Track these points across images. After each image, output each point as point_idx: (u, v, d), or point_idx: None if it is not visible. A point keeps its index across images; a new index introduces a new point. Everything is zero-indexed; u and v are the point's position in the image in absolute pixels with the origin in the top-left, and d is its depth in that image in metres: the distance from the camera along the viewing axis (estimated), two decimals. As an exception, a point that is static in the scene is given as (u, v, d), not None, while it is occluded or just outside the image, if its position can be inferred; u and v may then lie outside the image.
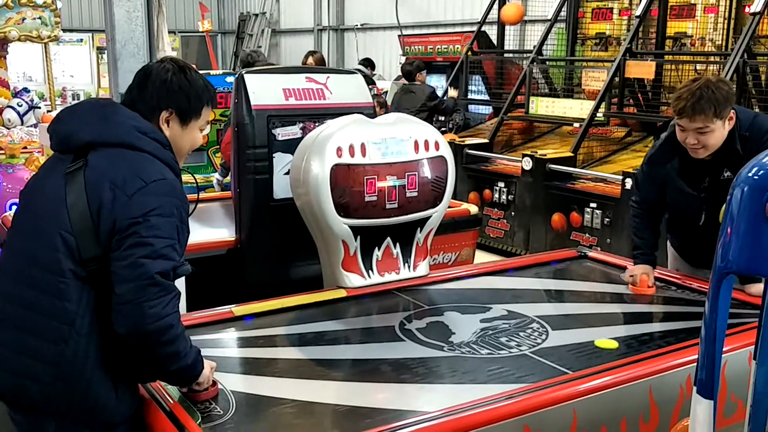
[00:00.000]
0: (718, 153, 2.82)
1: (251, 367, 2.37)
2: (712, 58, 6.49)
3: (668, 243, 3.33)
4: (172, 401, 2.01)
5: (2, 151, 6.05)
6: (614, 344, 2.47)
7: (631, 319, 2.83)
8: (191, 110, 2.03)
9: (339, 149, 2.83)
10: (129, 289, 1.75)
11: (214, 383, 2.09)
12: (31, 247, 1.86)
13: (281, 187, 3.17)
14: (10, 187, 5.47)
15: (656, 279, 3.11)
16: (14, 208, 4.63)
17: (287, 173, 3.10)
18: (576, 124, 6.66)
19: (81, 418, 1.85)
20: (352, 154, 2.85)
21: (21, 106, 7.66)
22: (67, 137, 1.93)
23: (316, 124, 3.12)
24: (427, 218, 3.09)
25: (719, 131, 2.72)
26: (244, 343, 2.56)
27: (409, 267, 3.10)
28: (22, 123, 7.56)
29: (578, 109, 6.72)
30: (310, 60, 6.76)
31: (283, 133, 3.22)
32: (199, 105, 2.04)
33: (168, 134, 2.00)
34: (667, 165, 2.95)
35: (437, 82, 9.18)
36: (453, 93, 7.66)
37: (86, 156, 1.88)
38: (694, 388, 1.26)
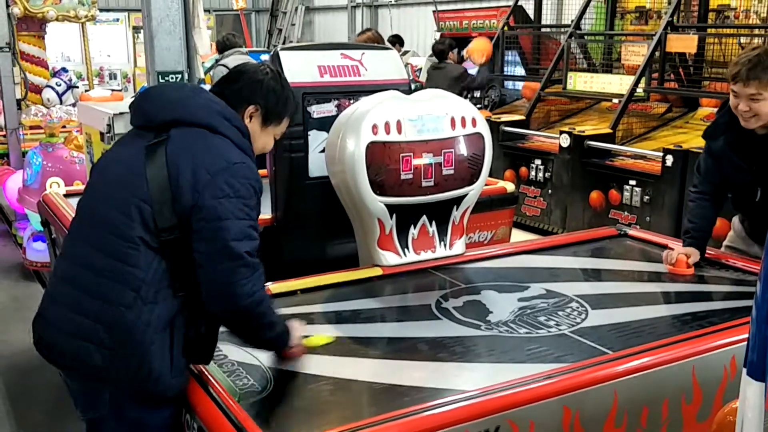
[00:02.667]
0: None
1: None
2: (756, 31, 6.30)
3: (734, 219, 3.26)
4: (211, 378, 2.02)
5: (42, 130, 6.13)
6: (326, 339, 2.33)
7: (673, 298, 2.78)
8: (276, 113, 2.13)
9: (374, 126, 2.80)
10: (221, 271, 1.85)
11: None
12: (103, 212, 1.90)
13: (317, 165, 3.15)
14: (50, 166, 5.54)
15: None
16: (54, 186, 4.70)
17: (322, 151, 3.08)
18: (615, 100, 6.54)
19: (136, 388, 1.88)
20: (387, 132, 2.82)
21: (60, 85, 7.79)
22: (151, 114, 1.98)
23: (351, 102, 3.09)
24: (464, 196, 3.05)
25: None
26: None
27: (445, 245, 3.07)
28: (61, 102, 7.68)
29: (617, 84, 6.59)
30: (362, 38, 6.45)
31: (318, 110, 3.19)
32: (284, 110, 2.15)
33: None
34: (722, 137, 2.89)
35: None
36: (479, 59, 7.29)
37: (168, 132, 1.92)
38: (744, 370, 1.22)
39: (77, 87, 8.11)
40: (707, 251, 3.06)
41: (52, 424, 3.35)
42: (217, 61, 6.63)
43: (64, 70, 8.39)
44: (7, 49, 6.47)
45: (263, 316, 1.97)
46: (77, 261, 1.92)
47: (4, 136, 7.00)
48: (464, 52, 7.73)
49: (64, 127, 6.30)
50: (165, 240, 1.86)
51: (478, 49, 7.24)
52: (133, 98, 2.09)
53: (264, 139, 2.15)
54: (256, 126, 2.10)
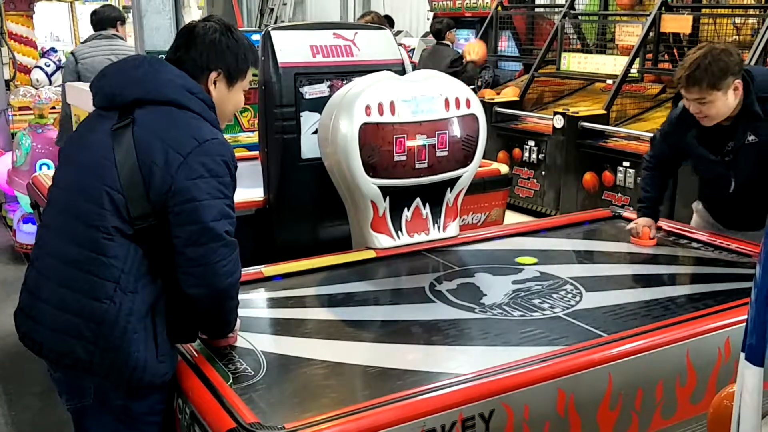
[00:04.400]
0: (737, 118, 2.76)
1: (281, 327, 2.36)
2: (751, 11, 6.26)
3: (695, 205, 3.28)
4: (203, 362, 2.00)
5: (31, 112, 6.06)
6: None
7: (668, 280, 2.77)
8: (239, 70, 2.04)
9: (368, 107, 2.77)
10: (202, 253, 1.82)
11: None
12: (75, 202, 1.85)
13: (309, 147, 3.11)
14: (40, 147, 5.48)
15: (693, 239, 3.07)
16: (44, 168, 4.65)
17: (315, 132, 3.05)
18: (609, 81, 6.50)
19: (121, 378, 1.85)
20: (381, 113, 2.79)
21: (49, 66, 7.71)
22: (113, 94, 1.91)
23: (344, 82, 3.06)
24: (458, 178, 3.02)
25: (720, 101, 2.68)
26: (274, 303, 2.54)
27: (438, 228, 3.05)
28: (50, 83, 7.60)
29: (611, 65, 6.56)
30: (362, 21, 5.87)
31: (310, 91, 3.15)
32: (245, 65, 2.06)
33: (214, 95, 2.00)
34: (687, 134, 2.90)
35: (466, 36, 9.00)
36: (473, 57, 7.37)
37: (132, 113, 1.86)
38: (742, 355, 1.21)
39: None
40: (708, 233, 3.08)
41: (44, 407, 3.34)
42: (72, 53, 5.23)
43: (53, 50, 8.30)
44: (-5, 29, 6.38)
45: (235, 297, 1.98)
46: (54, 254, 1.86)
47: (-7, 117, 6.93)
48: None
49: (53, 108, 6.23)
50: (140, 228, 1.82)
51: (472, 50, 7.18)
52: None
53: (234, 99, 2.07)
54: (223, 90, 2.02)
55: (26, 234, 5.32)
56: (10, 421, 3.32)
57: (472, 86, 7.96)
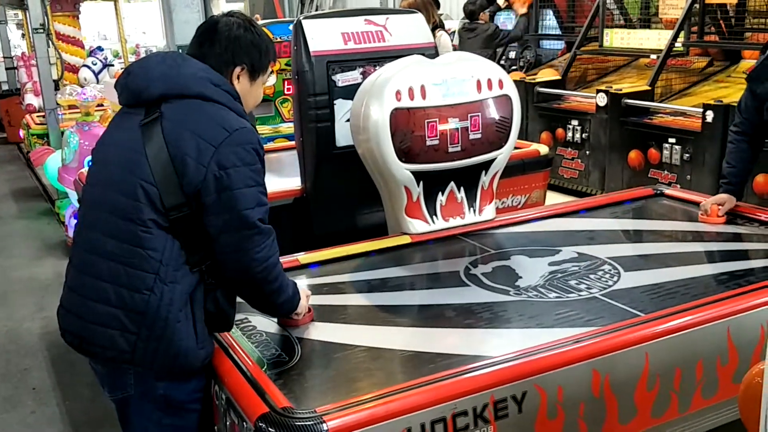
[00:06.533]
0: None
1: (317, 314, 2.37)
2: (802, -22, 6.02)
3: None
4: (239, 349, 2.04)
5: (78, 110, 6.21)
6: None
7: (708, 257, 2.71)
8: (261, 65, 2.07)
9: (398, 93, 2.76)
10: (234, 240, 1.86)
11: (309, 310, 2.27)
12: (110, 197, 1.89)
13: (343, 135, 3.13)
14: (87, 144, 5.61)
15: (736, 215, 2.97)
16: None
17: (349, 120, 3.06)
18: (653, 56, 6.35)
19: (164, 366, 1.89)
20: (411, 97, 2.78)
21: (96, 64, 7.88)
22: (138, 91, 1.93)
23: (376, 68, 3.05)
24: (492, 160, 3.00)
25: None
26: (310, 290, 2.56)
27: (474, 211, 3.03)
28: (98, 81, 7.77)
29: (655, 39, 6.39)
30: (405, 4, 5.45)
31: (343, 79, 3.16)
32: (267, 60, 2.09)
33: (238, 89, 2.02)
34: None
35: (506, 19, 8.88)
36: (523, 8, 7.33)
37: (159, 108, 1.89)
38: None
39: (113, 65, 8.20)
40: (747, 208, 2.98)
41: (95, 397, 3.44)
42: None
43: (100, 48, 8.49)
44: (42, 30, 6.52)
45: (274, 281, 1.99)
46: (93, 250, 1.90)
47: (43, 116, 7.13)
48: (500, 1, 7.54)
49: (100, 105, 6.37)
50: (174, 218, 1.85)
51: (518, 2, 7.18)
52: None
53: (255, 93, 2.10)
54: (246, 84, 2.05)
55: (77, 229, 5.47)
56: (65, 410, 3.43)
57: (521, 56, 7.88)
